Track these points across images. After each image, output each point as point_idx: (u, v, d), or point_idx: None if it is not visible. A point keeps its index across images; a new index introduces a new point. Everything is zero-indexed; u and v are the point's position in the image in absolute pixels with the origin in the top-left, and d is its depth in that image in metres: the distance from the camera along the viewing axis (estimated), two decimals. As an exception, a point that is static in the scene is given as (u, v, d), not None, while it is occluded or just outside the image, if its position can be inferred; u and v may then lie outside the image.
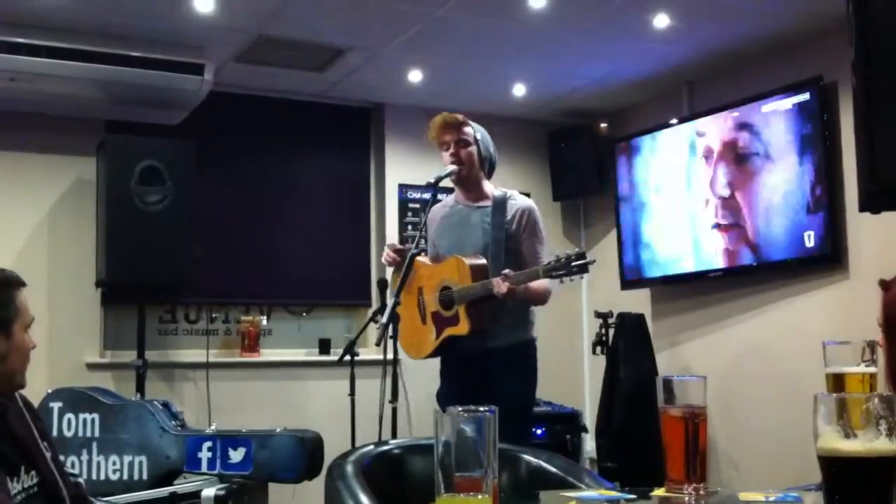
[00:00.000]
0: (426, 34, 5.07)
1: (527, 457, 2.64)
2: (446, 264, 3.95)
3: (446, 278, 3.91)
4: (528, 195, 4.29)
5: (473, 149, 3.98)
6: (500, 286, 3.65)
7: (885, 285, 1.79)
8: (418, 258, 4.01)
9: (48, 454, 2.31)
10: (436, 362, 4.10)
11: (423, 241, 4.13)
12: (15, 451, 2.21)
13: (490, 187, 4.06)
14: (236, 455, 4.33)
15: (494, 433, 1.41)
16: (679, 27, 4.99)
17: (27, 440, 2.26)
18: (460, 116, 3.99)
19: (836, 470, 1.28)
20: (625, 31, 5.10)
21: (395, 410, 4.32)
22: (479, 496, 1.37)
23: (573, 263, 3.57)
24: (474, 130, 4.00)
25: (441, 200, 4.25)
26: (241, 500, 4.25)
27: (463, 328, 3.82)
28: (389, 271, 5.53)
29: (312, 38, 5.19)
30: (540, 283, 3.83)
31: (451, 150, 3.97)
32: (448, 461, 1.38)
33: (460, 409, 1.43)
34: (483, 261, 3.85)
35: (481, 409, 1.42)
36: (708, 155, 5.61)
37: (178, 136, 5.45)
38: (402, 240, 6.28)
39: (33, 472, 2.23)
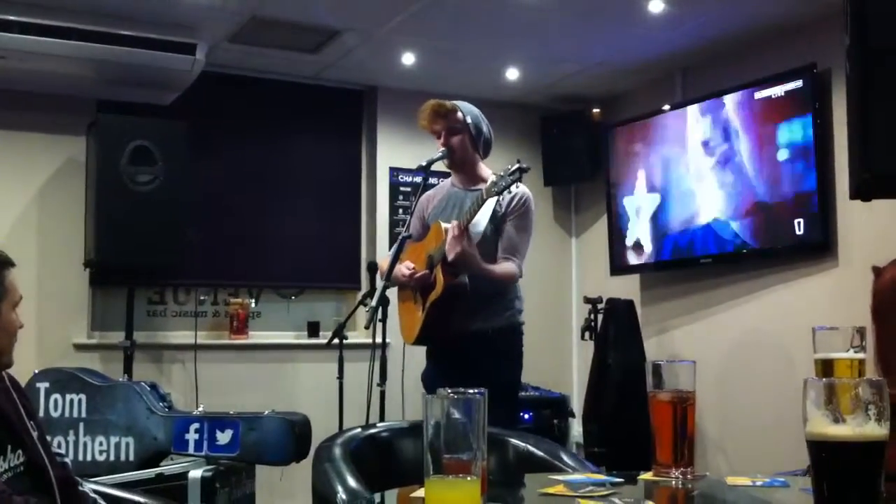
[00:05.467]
0: (420, 17, 5.05)
1: (514, 441, 2.66)
2: (428, 236, 3.95)
3: (428, 248, 3.90)
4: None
5: (464, 136, 3.96)
6: (453, 237, 3.66)
7: (877, 272, 1.80)
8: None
9: (35, 433, 2.30)
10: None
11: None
12: (1, 430, 2.20)
13: (486, 171, 4.03)
14: (224, 437, 4.33)
15: (484, 416, 1.41)
16: (674, 13, 4.99)
17: (14, 419, 2.25)
18: (448, 104, 3.95)
19: (824, 454, 1.28)
20: (619, 17, 5.09)
21: (383, 393, 4.32)
22: (468, 478, 1.37)
23: (510, 174, 3.57)
24: (464, 115, 3.95)
25: (432, 184, 4.23)
26: (229, 482, 4.25)
27: (438, 289, 3.77)
28: (379, 255, 5.53)
29: (306, 20, 5.16)
30: (497, 266, 3.82)
31: (441, 140, 3.96)
32: (437, 443, 1.38)
33: (450, 391, 1.43)
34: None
35: (471, 391, 1.42)
36: (699, 142, 5.62)
37: (169, 116, 5.43)
38: (393, 223, 6.28)
39: (20, 451, 2.22)
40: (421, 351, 4.11)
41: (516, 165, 3.58)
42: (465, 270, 3.76)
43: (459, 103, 3.98)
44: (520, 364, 3.98)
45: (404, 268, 3.94)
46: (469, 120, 3.95)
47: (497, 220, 3.85)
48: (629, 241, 6.11)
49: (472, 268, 3.75)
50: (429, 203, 4.13)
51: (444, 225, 3.79)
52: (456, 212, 3.94)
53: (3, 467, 2.16)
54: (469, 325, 3.82)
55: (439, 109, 3.94)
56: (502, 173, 3.60)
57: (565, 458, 2.56)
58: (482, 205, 3.68)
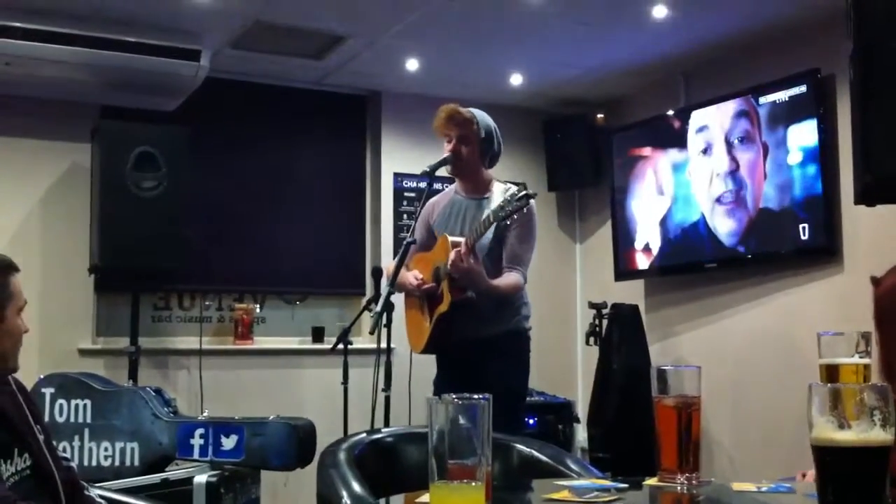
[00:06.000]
0: (424, 22, 5.06)
1: (518, 446, 2.65)
2: (435, 248, 3.97)
3: (437, 261, 3.92)
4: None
5: (473, 146, 3.96)
6: (457, 255, 3.68)
7: (875, 282, 1.80)
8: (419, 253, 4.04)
9: (41, 437, 2.31)
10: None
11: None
12: (8, 434, 2.20)
13: (491, 179, 4.04)
14: (228, 442, 4.33)
15: (488, 421, 1.41)
16: (677, 18, 4.98)
17: (20, 423, 2.26)
18: (466, 113, 3.95)
19: (829, 460, 1.28)
20: (622, 21, 5.09)
21: (387, 399, 4.32)
22: (473, 483, 1.37)
23: (517, 200, 3.58)
24: (479, 128, 3.96)
25: (437, 189, 4.24)
26: (234, 488, 4.25)
27: (445, 304, 3.82)
28: (383, 260, 5.52)
29: (310, 25, 5.17)
30: (501, 281, 3.85)
31: (452, 146, 3.96)
32: (441, 449, 1.38)
33: (454, 396, 1.43)
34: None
35: (475, 396, 1.42)
36: (703, 147, 5.61)
37: (173, 122, 5.44)
38: (397, 229, 6.28)
39: (26, 455, 2.23)
40: (426, 357, 4.12)
41: (523, 192, 3.60)
42: (470, 288, 3.79)
43: (477, 113, 3.99)
44: (527, 369, 4.00)
45: (412, 276, 3.97)
46: (483, 134, 3.96)
47: (500, 230, 3.86)
48: (637, 246, 6.10)
49: (478, 286, 3.78)
50: (433, 209, 4.14)
51: (451, 239, 3.81)
52: (460, 220, 3.98)
53: (10, 471, 2.17)
54: (476, 332, 3.84)
55: (456, 116, 3.95)
56: (508, 198, 3.62)
57: (570, 463, 2.55)
58: (488, 228, 3.71)
